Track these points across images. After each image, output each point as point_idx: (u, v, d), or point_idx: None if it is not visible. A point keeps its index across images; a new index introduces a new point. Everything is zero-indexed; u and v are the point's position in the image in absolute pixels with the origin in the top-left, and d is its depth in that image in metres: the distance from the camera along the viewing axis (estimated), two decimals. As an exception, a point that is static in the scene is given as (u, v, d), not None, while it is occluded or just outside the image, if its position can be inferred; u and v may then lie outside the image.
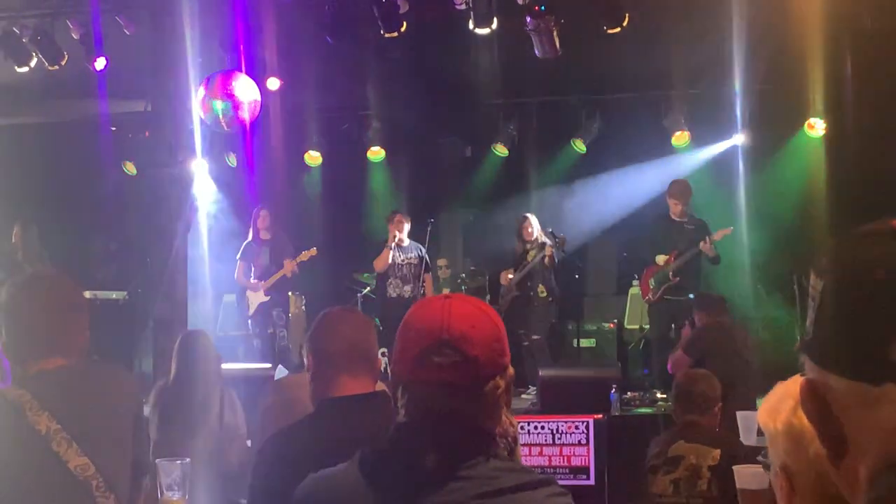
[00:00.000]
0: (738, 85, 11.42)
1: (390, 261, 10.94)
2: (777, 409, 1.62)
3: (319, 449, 2.59)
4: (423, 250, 10.99)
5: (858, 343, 1.09)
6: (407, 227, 10.98)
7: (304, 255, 11.23)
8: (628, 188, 12.83)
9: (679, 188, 10.25)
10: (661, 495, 5.24)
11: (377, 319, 11.27)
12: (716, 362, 7.86)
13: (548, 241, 10.67)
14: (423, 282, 10.89)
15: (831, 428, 1.13)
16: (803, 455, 1.43)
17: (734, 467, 3.78)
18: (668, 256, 10.14)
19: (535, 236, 10.93)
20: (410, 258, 10.93)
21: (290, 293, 11.62)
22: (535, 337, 10.80)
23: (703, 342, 8.30)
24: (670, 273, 10.03)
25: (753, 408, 7.42)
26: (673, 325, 9.97)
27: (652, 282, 10.21)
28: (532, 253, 10.93)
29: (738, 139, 11.91)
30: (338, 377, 3.00)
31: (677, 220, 10.18)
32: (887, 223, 1.12)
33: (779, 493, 1.62)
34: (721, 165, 12.19)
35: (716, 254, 9.98)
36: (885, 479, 1.07)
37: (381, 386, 3.08)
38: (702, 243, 9.88)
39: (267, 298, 11.23)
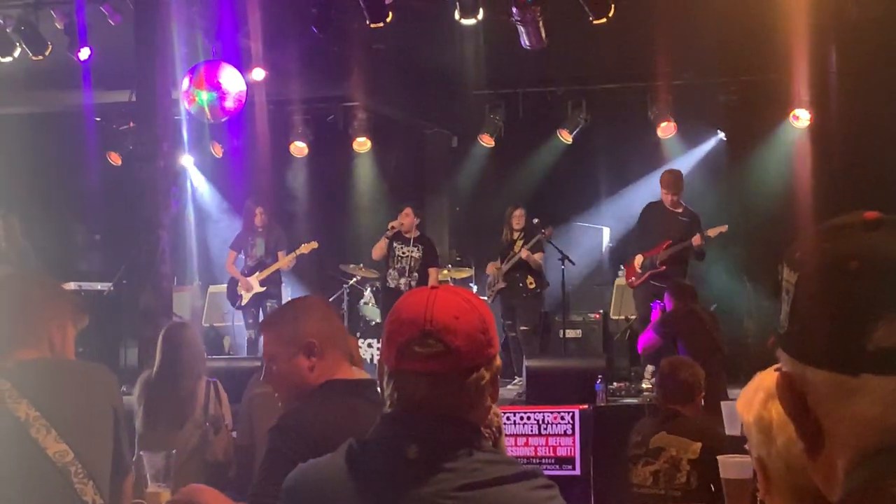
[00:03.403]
0: (722, 76, 11.45)
1: (390, 251, 10.93)
2: (750, 401, 1.63)
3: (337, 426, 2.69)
4: (422, 249, 10.94)
5: (835, 334, 1.09)
6: (412, 221, 10.93)
7: (305, 248, 11.20)
8: (614, 179, 12.86)
9: (671, 178, 10.21)
10: (641, 486, 5.24)
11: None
12: (688, 345, 8.04)
13: (536, 235, 10.73)
14: (427, 275, 10.86)
15: (808, 422, 1.13)
16: (773, 447, 1.44)
17: (719, 457, 3.79)
18: (642, 257, 10.20)
19: (522, 226, 11.01)
20: (411, 252, 10.91)
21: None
22: (523, 328, 10.82)
23: (674, 324, 8.50)
24: (657, 261, 10.05)
25: (725, 392, 7.55)
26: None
27: (638, 266, 10.24)
28: (519, 244, 10.97)
29: (730, 126, 11.90)
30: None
31: (671, 209, 10.16)
32: (859, 215, 1.12)
33: (759, 481, 1.63)
34: (706, 156, 12.23)
35: (703, 250, 9.99)
36: (862, 471, 1.07)
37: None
38: (694, 239, 9.88)
39: (262, 289, 11.21)
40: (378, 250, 11.00)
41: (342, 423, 2.75)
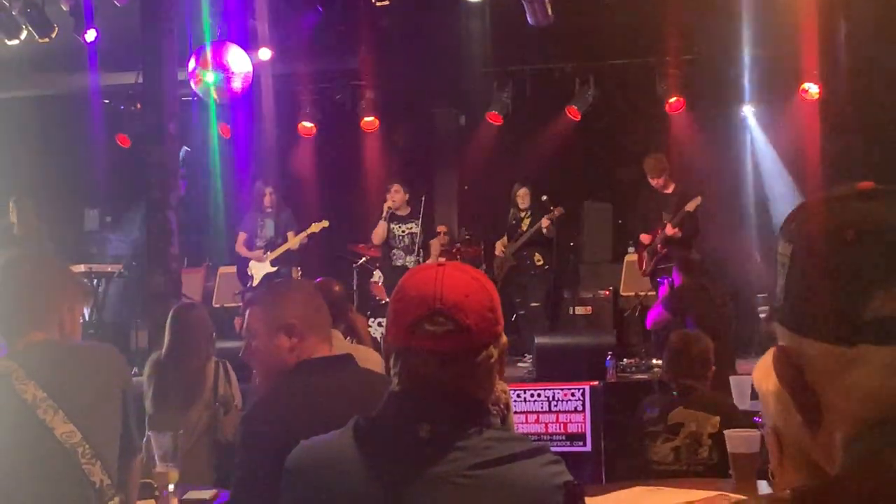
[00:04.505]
0: (731, 50, 11.39)
1: (389, 232, 10.94)
2: (769, 371, 1.62)
3: (303, 408, 2.75)
4: (419, 223, 10.94)
5: (832, 305, 1.08)
6: (403, 197, 10.95)
7: (315, 227, 11.19)
8: (623, 155, 12.80)
9: (650, 164, 10.30)
10: (661, 463, 5.19)
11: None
12: (696, 319, 8.03)
13: (546, 212, 10.73)
14: (423, 250, 10.88)
15: (806, 395, 1.13)
16: (791, 418, 1.43)
17: (726, 432, 3.79)
18: (650, 235, 10.21)
19: (528, 205, 11.01)
20: (410, 228, 10.92)
21: (295, 268, 11.60)
22: (533, 304, 10.83)
23: (683, 299, 8.50)
24: (658, 245, 10.10)
25: (733, 367, 7.55)
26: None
27: (646, 254, 10.32)
28: (527, 222, 10.97)
29: (740, 102, 11.83)
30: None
31: (662, 192, 10.23)
32: (854, 185, 1.11)
33: (770, 453, 1.62)
34: (717, 131, 12.17)
35: (685, 228, 9.97)
36: (860, 444, 1.06)
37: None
38: (667, 228, 9.93)
39: (273, 269, 11.23)
40: (378, 235, 11.02)
41: (312, 402, 2.80)
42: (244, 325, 3.17)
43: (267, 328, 3.07)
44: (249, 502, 2.72)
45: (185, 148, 12.71)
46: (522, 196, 11.09)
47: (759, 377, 1.65)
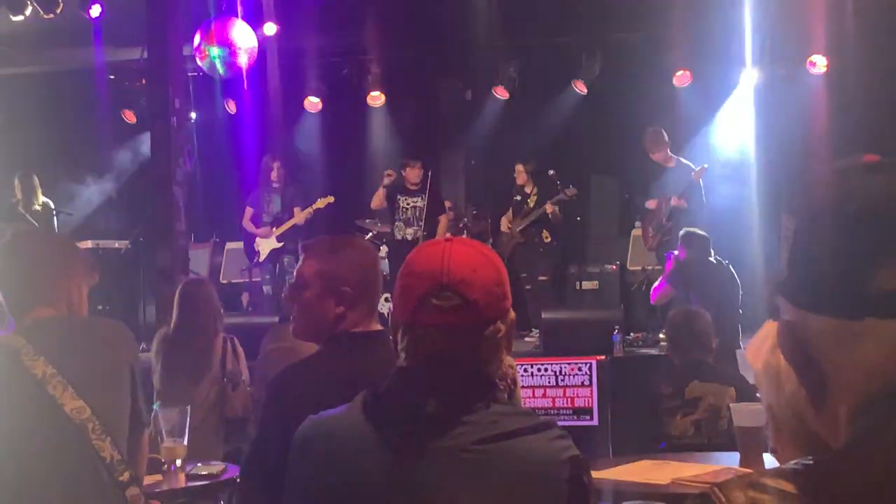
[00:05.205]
0: (738, 23, 11.34)
1: (395, 203, 10.92)
2: (759, 349, 1.62)
3: (332, 382, 2.66)
4: (425, 198, 10.92)
5: (837, 278, 1.07)
6: (419, 173, 10.93)
7: (321, 203, 11.17)
8: (630, 129, 12.78)
9: (649, 138, 10.32)
10: (682, 437, 5.19)
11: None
12: (700, 294, 8.03)
13: (555, 195, 10.71)
14: (425, 224, 10.88)
15: (811, 369, 1.12)
16: (781, 395, 1.44)
17: (732, 405, 3.80)
18: (656, 200, 10.22)
19: (525, 182, 11.03)
20: (415, 202, 10.91)
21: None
22: (540, 279, 10.84)
23: (686, 274, 8.50)
24: (664, 218, 10.10)
25: (738, 342, 7.58)
26: None
27: (651, 229, 10.32)
28: (534, 199, 10.95)
29: (746, 75, 11.78)
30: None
31: (664, 165, 10.24)
32: (858, 158, 1.11)
33: (770, 429, 1.63)
34: (724, 104, 12.12)
35: (691, 199, 9.99)
36: (866, 418, 1.06)
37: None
38: (673, 199, 9.94)
39: (279, 245, 11.23)
40: (376, 200, 11.04)
41: (344, 378, 2.67)
42: (296, 270, 2.99)
43: (320, 285, 2.91)
44: (266, 465, 2.67)
45: (190, 121, 12.73)
46: (518, 172, 11.10)
47: (751, 356, 1.65)
